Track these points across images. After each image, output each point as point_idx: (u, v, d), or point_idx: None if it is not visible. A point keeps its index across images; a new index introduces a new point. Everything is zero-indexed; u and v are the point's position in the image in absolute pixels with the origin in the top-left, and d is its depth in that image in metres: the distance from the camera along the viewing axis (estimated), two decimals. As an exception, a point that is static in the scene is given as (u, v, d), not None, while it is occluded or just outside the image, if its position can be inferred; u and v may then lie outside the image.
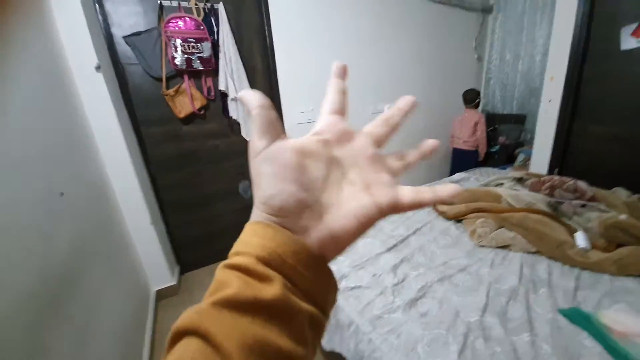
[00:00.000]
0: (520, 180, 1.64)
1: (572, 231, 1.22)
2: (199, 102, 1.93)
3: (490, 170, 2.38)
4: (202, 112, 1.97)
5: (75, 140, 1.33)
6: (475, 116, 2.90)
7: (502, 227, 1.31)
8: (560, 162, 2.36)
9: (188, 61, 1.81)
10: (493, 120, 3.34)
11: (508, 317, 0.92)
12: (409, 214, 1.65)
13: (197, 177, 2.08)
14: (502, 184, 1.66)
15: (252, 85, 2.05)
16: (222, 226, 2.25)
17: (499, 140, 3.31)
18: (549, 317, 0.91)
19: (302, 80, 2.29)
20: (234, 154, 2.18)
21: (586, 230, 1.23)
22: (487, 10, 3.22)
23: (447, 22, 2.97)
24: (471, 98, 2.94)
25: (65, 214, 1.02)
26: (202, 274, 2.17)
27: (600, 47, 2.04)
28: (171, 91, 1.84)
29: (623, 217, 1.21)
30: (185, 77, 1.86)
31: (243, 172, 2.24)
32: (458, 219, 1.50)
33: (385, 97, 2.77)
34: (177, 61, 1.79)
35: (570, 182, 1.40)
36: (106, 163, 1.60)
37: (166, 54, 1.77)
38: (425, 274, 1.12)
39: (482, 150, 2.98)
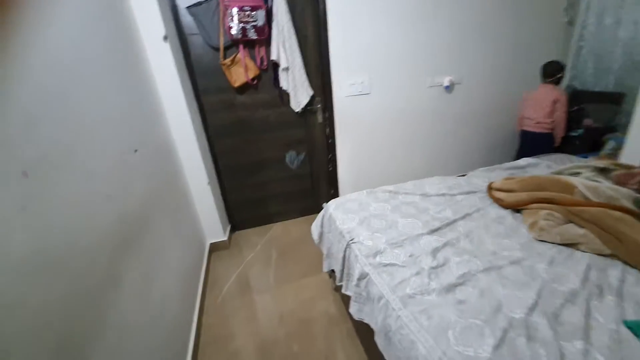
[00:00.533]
0: (603, 171, 1.39)
1: (663, 236, 1.02)
2: (252, 72, 1.98)
3: (568, 157, 2.07)
4: (255, 82, 2.02)
5: (147, 105, 1.48)
6: (553, 93, 2.48)
7: (571, 222, 1.15)
8: (665, 153, 1.93)
9: (243, 30, 1.84)
10: (578, 99, 2.82)
11: (560, 321, 0.83)
12: (459, 197, 1.54)
13: (249, 145, 2.20)
14: (578, 173, 1.43)
15: (303, 54, 2.03)
16: (269, 192, 2.39)
17: (584, 123, 2.81)
18: (611, 328, 0.80)
19: (354, 51, 2.18)
20: (283, 125, 2.23)
21: (685, 237, 1.02)
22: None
23: None
24: (551, 71, 2.51)
25: (139, 167, 1.18)
26: (250, 234, 2.37)
27: None
28: (228, 61, 1.92)
29: None
30: (241, 47, 1.91)
31: (290, 142, 2.30)
32: (517, 208, 1.35)
33: (445, 69, 2.52)
34: (233, 31, 1.83)
35: (672, 177, 1.14)
36: (172, 127, 1.77)
37: (223, 24, 1.83)
38: (469, 261, 1.05)
39: (559, 133, 2.58)
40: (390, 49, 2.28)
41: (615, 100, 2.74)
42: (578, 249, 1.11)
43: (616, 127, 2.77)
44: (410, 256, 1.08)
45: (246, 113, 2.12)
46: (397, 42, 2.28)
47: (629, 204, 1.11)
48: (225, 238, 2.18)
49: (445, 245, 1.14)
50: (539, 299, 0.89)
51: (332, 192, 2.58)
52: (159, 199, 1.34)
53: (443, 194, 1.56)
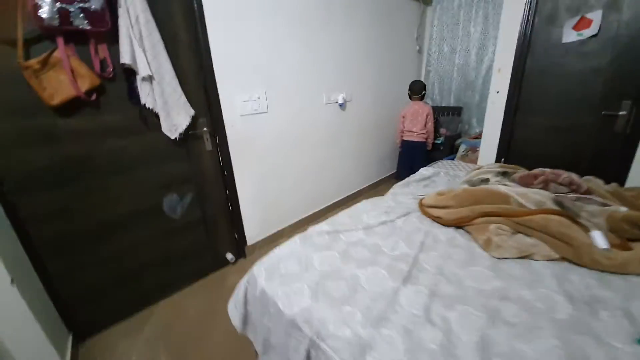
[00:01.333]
0: (505, 174, 1.53)
1: (585, 230, 1.10)
2: (86, 82, 1.25)
3: (451, 163, 2.32)
4: (93, 97, 1.28)
5: None
6: (425, 108, 2.85)
7: (519, 232, 1.12)
8: (506, 151, 2.46)
9: (64, 15, 1.13)
10: (433, 113, 3.37)
11: (595, 366, 0.69)
12: (399, 222, 1.36)
13: (92, 196, 1.38)
14: (487, 179, 1.52)
15: (175, 60, 1.45)
16: (140, 260, 1.59)
17: (441, 132, 3.39)
18: (630, 351, 0.71)
19: (244, 60, 1.77)
20: (153, 158, 1.54)
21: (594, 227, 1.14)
22: (427, 0, 3.20)
23: (393, 9, 2.81)
24: (418, 89, 2.87)
25: None
26: (114, 335, 1.48)
27: (542, 41, 2.12)
28: (34, 62, 1.13)
29: (623, 209, 1.16)
30: (60, 40, 1.17)
31: (168, 182, 1.62)
32: (460, 225, 1.27)
33: (338, 87, 2.46)
34: (44, 13, 1.10)
35: (564, 175, 1.31)
36: None
37: (22, 1, 1.06)
38: (467, 315, 0.82)
39: (431, 141, 2.97)
40: (286, 62, 2.00)
41: (456, 113, 3.42)
42: (532, 259, 1.08)
43: (461, 134, 3.47)
44: (406, 332, 0.75)
45: (82, 146, 1.32)
46: (292, 55, 2.03)
47: (553, 206, 1.17)
48: (62, 363, 1.24)
49: (430, 297, 0.88)
50: (564, 345, 0.73)
51: (236, 236, 2.01)
52: None
53: (384, 222, 1.34)
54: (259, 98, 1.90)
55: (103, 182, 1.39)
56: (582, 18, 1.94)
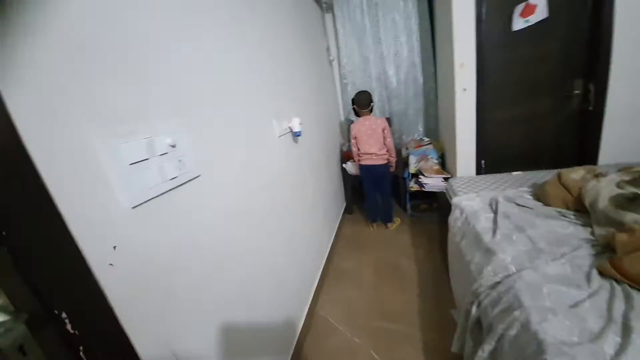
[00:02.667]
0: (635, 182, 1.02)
1: None
2: None
3: (479, 179, 1.77)
4: None
5: None
6: (380, 122, 2.27)
7: None
8: (484, 153, 2.16)
9: None
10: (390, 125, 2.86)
11: None
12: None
13: None
14: (637, 195, 0.96)
15: None
16: None
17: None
18: None
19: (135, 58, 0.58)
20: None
21: None
22: (328, 5, 2.70)
23: (305, 16, 2.12)
24: (366, 101, 2.28)
25: None
26: None
27: (495, 31, 1.93)
28: None
29: None
30: None
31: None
32: None
33: (286, 109, 1.50)
34: None
35: None
36: None
37: None
38: None
39: (394, 159, 2.39)
40: (214, 69, 0.90)
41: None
42: None
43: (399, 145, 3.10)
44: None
45: None
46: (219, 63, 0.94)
47: None
48: None
49: None
50: None
51: None
52: None
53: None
54: (173, 147, 0.71)
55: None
56: (527, 5, 1.84)
